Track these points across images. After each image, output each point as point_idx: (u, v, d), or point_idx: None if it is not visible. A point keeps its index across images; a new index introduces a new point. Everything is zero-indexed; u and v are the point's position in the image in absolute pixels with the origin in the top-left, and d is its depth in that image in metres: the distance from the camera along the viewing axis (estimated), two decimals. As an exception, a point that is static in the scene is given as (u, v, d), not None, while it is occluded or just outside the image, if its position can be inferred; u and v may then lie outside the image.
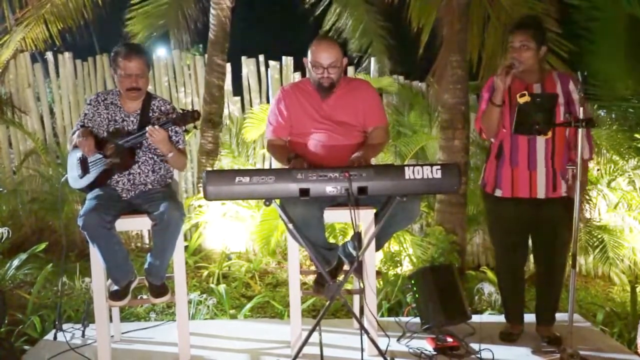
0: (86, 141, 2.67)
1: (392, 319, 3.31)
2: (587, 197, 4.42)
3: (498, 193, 2.83)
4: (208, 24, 5.51)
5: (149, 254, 2.79)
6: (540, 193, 2.75)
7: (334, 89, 2.77)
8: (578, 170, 2.49)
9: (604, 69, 4.40)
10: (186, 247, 4.86)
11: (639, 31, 4.13)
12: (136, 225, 3.10)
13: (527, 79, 2.77)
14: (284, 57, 5.71)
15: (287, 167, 2.63)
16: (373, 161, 2.97)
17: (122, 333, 3.11)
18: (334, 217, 2.71)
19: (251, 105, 5.73)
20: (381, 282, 4.01)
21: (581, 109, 2.49)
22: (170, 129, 2.74)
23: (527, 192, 2.76)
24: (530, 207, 2.78)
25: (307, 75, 2.84)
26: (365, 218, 2.67)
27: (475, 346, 2.81)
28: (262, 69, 5.76)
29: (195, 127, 2.81)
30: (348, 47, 6.28)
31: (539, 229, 2.84)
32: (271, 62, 5.72)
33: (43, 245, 4.63)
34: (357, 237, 2.55)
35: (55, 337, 3.01)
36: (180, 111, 2.73)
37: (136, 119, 2.81)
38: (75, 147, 2.78)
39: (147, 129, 2.64)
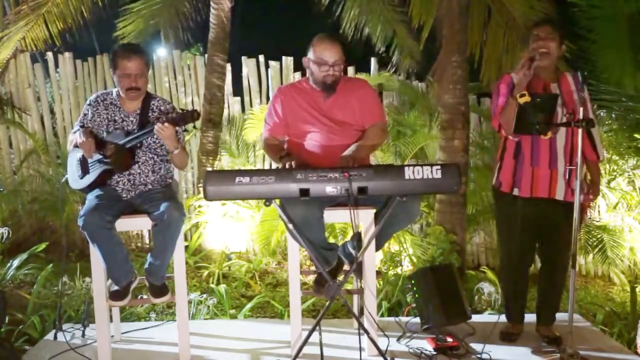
0: (87, 142, 2.67)
1: (392, 319, 3.32)
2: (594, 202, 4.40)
3: (516, 192, 2.82)
4: (205, 24, 5.51)
5: (149, 254, 2.79)
6: (559, 194, 2.76)
7: (337, 86, 2.77)
8: (578, 171, 2.50)
9: (604, 68, 4.39)
10: (186, 247, 4.86)
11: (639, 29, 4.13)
12: (136, 225, 3.10)
13: (545, 77, 2.77)
14: (284, 57, 5.71)
15: (279, 165, 2.63)
16: (373, 161, 2.96)
17: (122, 333, 3.12)
18: (334, 217, 2.71)
19: (251, 106, 5.74)
20: (381, 282, 4.01)
21: (581, 108, 2.50)
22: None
23: (546, 192, 2.77)
24: (547, 207, 2.78)
25: (307, 75, 2.84)
26: (365, 218, 2.67)
27: (475, 346, 2.81)
28: (262, 69, 5.76)
29: (195, 127, 2.82)
30: (373, 41, 6.11)
31: (545, 229, 2.84)
32: (271, 62, 5.72)
33: (43, 245, 4.63)
34: (357, 237, 2.55)
35: (55, 337, 3.01)
36: (180, 111, 2.73)
37: (136, 119, 2.81)
38: (75, 147, 2.77)
39: (156, 125, 2.64)
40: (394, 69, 5.89)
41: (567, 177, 2.72)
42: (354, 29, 5.98)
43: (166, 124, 2.62)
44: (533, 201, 2.79)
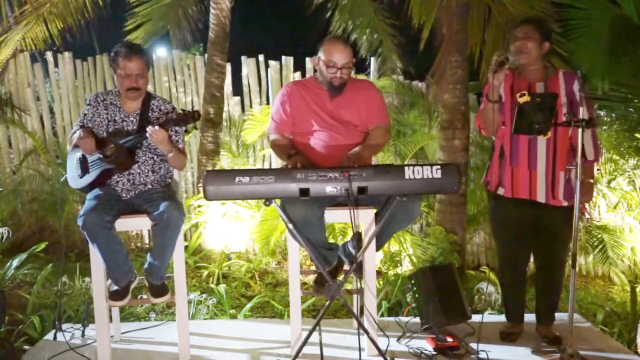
0: (86, 140, 2.67)
1: (392, 319, 3.31)
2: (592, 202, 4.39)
3: (500, 191, 2.83)
4: (208, 24, 5.52)
5: (149, 254, 2.79)
6: (540, 196, 2.75)
7: (344, 88, 2.78)
8: (578, 170, 2.49)
9: (588, 66, 4.38)
10: (186, 247, 4.86)
11: (623, 27, 4.11)
12: (136, 225, 3.09)
13: (529, 77, 2.77)
14: (284, 57, 5.71)
15: (287, 163, 2.64)
16: (373, 161, 2.97)
17: (122, 333, 3.11)
18: (334, 217, 2.71)
19: (251, 106, 5.74)
20: (381, 282, 4.01)
21: (581, 108, 2.49)
22: (170, 128, 2.74)
23: (526, 193, 2.76)
24: (531, 208, 2.78)
25: (316, 74, 2.84)
26: (365, 218, 2.67)
27: (476, 346, 2.81)
28: (262, 69, 5.76)
29: (195, 128, 2.81)
30: (357, 47, 6.16)
31: (539, 230, 2.84)
32: (271, 62, 5.72)
33: (43, 245, 4.63)
34: (357, 237, 2.55)
35: (55, 337, 3.01)
36: (181, 111, 2.73)
37: (136, 119, 2.81)
38: (75, 147, 2.77)
39: (147, 129, 2.64)
40: (380, 73, 5.93)
41: (551, 178, 2.72)
42: (341, 32, 6.03)
43: (157, 128, 2.62)
44: (518, 201, 2.79)
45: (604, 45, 4.13)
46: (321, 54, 2.73)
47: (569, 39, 4.36)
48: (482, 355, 2.73)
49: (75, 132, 2.78)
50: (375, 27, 6.05)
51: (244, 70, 5.78)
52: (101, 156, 2.74)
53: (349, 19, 6.06)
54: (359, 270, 2.69)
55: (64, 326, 3.08)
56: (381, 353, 2.51)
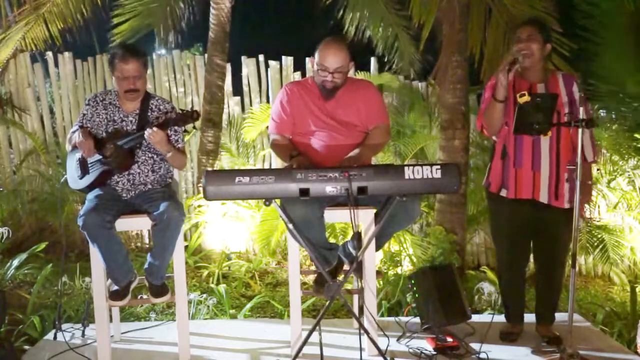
0: (85, 143, 2.67)
1: (392, 319, 3.32)
2: (591, 201, 4.36)
3: (503, 193, 2.82)
4: (205, 24, 5.50)
5: (149, 254, 2.79)
6: (543, 197, 2.75)
7: (337, 92, 2.77)
8: (578, 170, 2.49)
9: (606, 68, 4.36)
10: (186, 247, 4.86)
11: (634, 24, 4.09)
12: (136, 225, 3.10)
13: (531, 78, 2.77)
14: (284, 57, 5.71)
15: (290, 163, 2.63)
16: (373, 161, 2.97)
17: (122, 333, 3.11)
18: (334, 217, 2.71)
19: (251, 105, 5.74)
20: (381, 282, 4.01)
21: (581, 108, 2.50)
22: (169, 128, 2.74)
23: (529, 193, 2.76)
24: (533, 208, 2.78)
25: (312, 74, 2.84)
26: (365, 218, 2.67)
27: (475, 346, 2.81)
28: (262, 69, 5.76)
29: (194, 128, 2.81)
30: (373, 44, 6.08)
31: (540, 230, 2.84)
32: (271, 62, 5.72)
33: (43, 245, 4.63)
34: (357, 236, 2.55)
35: (55, 337, 3.01)
36: (180, 111, 2.72)
37: (135, 119, 2.81)
38: (74, 147, 2.77)
39: (146, 131, 2.63)
40: (392, 72, 5.88)
41: (555, 180, 2.72)
42: (355, 30, 5.97)
43: (155, 129, 2.62)
44: (520, 202, 2.79)
45: (631, 43, 4.09)
46: (316, 56, 2.72)
47: (595, 43, 4.30)
48: (482, 355, 2.73)
49: (74, 132, 2.77)
50: (388, 21, 5.95)
51: (244, 70, 5.78)
52: (101, 157, 2.74)
53: (360, 16, 5.97)
54: (359, 270, 2.69)
55: (64, 326, 3.08)
56: (381, 353, 2.51)
